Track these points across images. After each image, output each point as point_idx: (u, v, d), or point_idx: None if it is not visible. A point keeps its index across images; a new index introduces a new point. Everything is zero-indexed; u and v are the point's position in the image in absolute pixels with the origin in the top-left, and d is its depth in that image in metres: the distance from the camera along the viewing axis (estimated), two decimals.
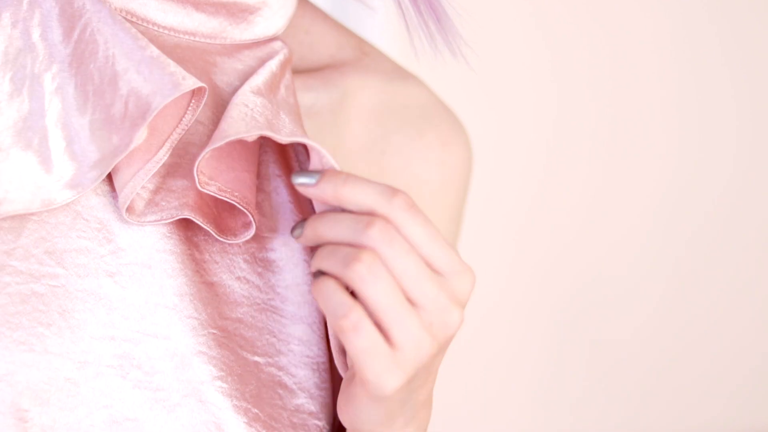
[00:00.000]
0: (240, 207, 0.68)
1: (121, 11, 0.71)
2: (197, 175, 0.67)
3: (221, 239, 0.69)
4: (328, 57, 0.79)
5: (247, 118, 0.67)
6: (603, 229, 1.78)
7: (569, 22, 1.71)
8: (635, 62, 1.73)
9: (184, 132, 0.68)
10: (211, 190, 0.67)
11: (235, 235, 0.69)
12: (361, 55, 0.80)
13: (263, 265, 0.71)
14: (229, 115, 0.67)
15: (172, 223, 0.69)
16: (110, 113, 0.67)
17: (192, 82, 0.66)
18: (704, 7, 1.72)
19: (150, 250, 0.69)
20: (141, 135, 0.67)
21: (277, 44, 0.74)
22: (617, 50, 1.72)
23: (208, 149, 0.66)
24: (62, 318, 0.68)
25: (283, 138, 0.66)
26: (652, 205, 1.78)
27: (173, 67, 0.67)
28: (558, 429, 1.83)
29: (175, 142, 0.68)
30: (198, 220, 0.68)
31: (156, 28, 0.72)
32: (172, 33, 0.72)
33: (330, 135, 0.76)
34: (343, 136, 0.77)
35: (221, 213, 0.70)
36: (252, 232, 0.69)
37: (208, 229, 0.68)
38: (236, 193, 0.68)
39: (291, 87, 0.73)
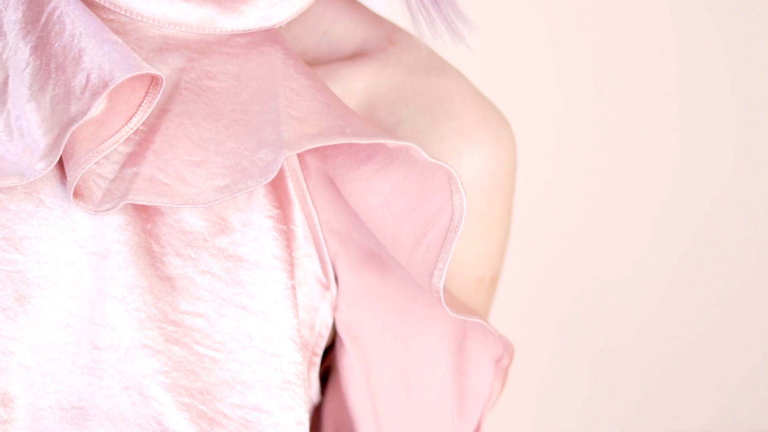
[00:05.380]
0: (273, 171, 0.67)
1: (106, 0, 0.72)
2: (299, 154, 0.68)
3: (182, 207, 0.68)
4: (349, 54, 0.77)
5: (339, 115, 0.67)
6: (605, 232, 1.78)
7: (574, 21, 1.71)
8: (639, 65, 1.73)
9: (139, 124, 0.68)
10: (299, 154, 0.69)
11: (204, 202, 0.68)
12: (387, 46, 0.77)
13: (233, 259, 0.71)
14: (325, 101, 0.67)
15: (129, 214, 0.69)
16: (71, 86, 0.67)
17: (153, 69, 0.67)
18: (707, 7, 1.72)
19: (107, 240, 0.69)
20: (99, 105, 0.67)
21: (276, 33, 0.73)
22: (621, 53, 1.72)
23: (337, 139, 0.65)
24: (18, 303, 0.69)
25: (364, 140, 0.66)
26: (653, 209, 1.78)
27: (135, 55, 0.68)
28: (558, 429, 1.84)
29: (129, 133, 0.68)
30: (139, 201, 0.67)
31: (139, 18, 0.72)
32: (156, 23, 0.72)
33: None
34: None
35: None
36: (225, 195, 0.67)
37: (156, 204, 0.68)
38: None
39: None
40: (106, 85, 0.66)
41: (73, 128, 0.66)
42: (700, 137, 1.76)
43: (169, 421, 0.69)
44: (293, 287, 0.71)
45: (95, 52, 0.67)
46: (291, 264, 0.71)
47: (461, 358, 0.76)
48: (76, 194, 0.69)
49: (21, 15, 0.71)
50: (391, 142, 0.66)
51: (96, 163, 0.69)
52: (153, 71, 0.67)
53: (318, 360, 0.77)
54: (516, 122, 1.70)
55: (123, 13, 0.72)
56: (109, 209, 0.68)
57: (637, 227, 1.78)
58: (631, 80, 1.73)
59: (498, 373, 0.77)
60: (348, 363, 0.77)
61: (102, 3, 0.72)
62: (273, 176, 0.66)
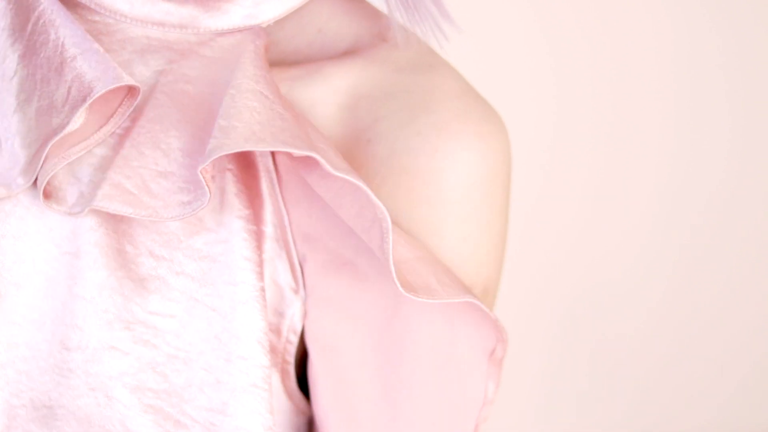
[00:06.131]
0: (208, 192, 0.67)
1: (90, 1, 0.72)
2: (219, 159, 0.67)
3: (147, 219, 0.69)
4: (341, 52, 0.75)
5: (271, 123, 0.66)
6: (603, 231, 1.78)
7: (569, 19, 1.71)
8: (637, 64, 1.73)
9: (109, 133, 0.68)
10: (206, 177, 0.67)
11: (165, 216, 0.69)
12: (378, 43, 0.75)
13: (206, 260, 0.71)
14: (250, 107, 0.67)
15: (101, 215, 0.70)
16: (53, 98, 0.68)
17: (131, 80, 0.67)
18: (701, 5, 1.72)
19: (80, 241, 0.70)
20: (78, 119, 0.67)
21: (258, 31, 0.73)
22: (618, 52, 1.72)
23: (235, 147, 0.65)
24: None
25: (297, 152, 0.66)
26: (652, 208, 1.78)
27: (115, 64, 0.68)
28: (558, 429, 1.83)
29: (99, 141, 0.68)
30: (105, 209, 0.68)
31: (123, 19, 0.72)
32: (139, 24, 0.72)
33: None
34: (325, 125, 0.74)
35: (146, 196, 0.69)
36: (188, 211, 0.68)
37: (121, 213, 0.68)
38: (214, 179, 0.69)
39: (269, 75, 0.72)
40: (84, 99, 0.67)
41: (52, 143, 0.67)
42: (696, 135, 1.76)
43: (133, 423, 0.69)
44: (262, 289, 0.70)
45: (77, 63, 0.68)
46: (261, 266, 0.70)
47: (451, 364, 0.73)
48: (51, 195, 0.69)
49: (8, 21, 0.72)
50: (295, 152, 0.65)
51: (72, 165, 0.70)
52: (132, 82, 0.67)
53: (291, 368, 0.76)
54: (513, 121, 1.70)
55: (107, 14, 0.72)
56: (78, 212, 0.69)
57: (635, 226, 1.78)
58: (628, 79, 1.73)
59: (492, 369, 0.74)
60: (314, 376, 0.75)
61: (87, 4, 0.72)
62: (207, 192, 0.66)
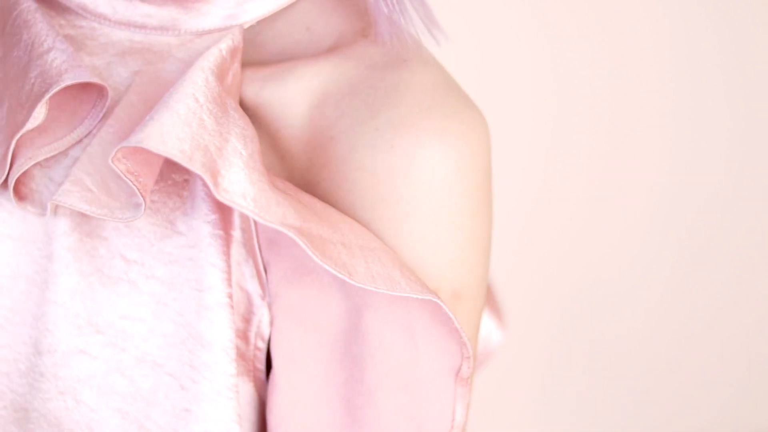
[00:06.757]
0: (138, 193, 0.66)
1: (77, 7, 0.72)
2: (116, 152, 0.65)
3: (103, 218, 0.68)
4: (325, 50, 0.73)
5: (194, 132, 0.65)
6: (602, 231, 1.77)
7: (567, 20, 1.70)
8: (636, 64, 1.73)
9: (80, 136, 0.68)
10: (121, 168, 0.65)
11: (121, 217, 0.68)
12: (358, 39, 0.73)
13: (176, 264, 0.69)
14: (174, 108, 0.65)
15: (74, 219, 0.69)
16: (20, 96, 0.68)
17: (95, 78, 0.67)
18: (700, 6, 1.72)
19: (54, 245, 0.70)
20: (39, 113, 0.67)
21: (234, 31, 0.71)
22: (616, 52, 1.72)
23: (135, 141, 0.64)
24: None
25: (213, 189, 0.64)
26: (650, 207, 1.78)
27: (82, 63, 0.68)
28: (558, 429, 1.83)
29: (70, 143, 0.68)
30: (62, 203, 0.67)
31: (107, 22, 0.72)
32: (122, 27, 0.72)
33: (276, 125, 0.72)
34: (296, 125, 0.71)
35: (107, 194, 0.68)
36: (139, 214, 0.66)
37: (79, 209, 0.67)
38: (141, 179, 0.66)
39: (238, 76, 0.71)
40: (43, 95, 0.66)
41: (15, 139, 0.67)
42: (695, 135, 1.75)
43: (99, 426, 0.69)
44: (229, 296, 0.68)
45: (43, 61, 0.68)
46: (227, 272, 0.68)
47: (414, 384, 0.70)
48: (27, 197, 0.70)
49: None
50: (186, 165, 0.63)
51: (49, 168, 0.70)
52: (95, 80, 0.67)
53: (263, 375, 0.74)
54: (513, 121, 1.71)
55: (93, 18, 0.72)
56: (44, 212, 0.69)
57: (634, 226, 1.77)
58: (627, 79, 1.72)
59: (461, 391, 0.70)
60: (272, 387, 0.73)
61: (73, 8, 0.72)
62: (143, 204, 0.66)
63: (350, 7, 0.74)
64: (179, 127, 0.64)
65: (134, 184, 0.65)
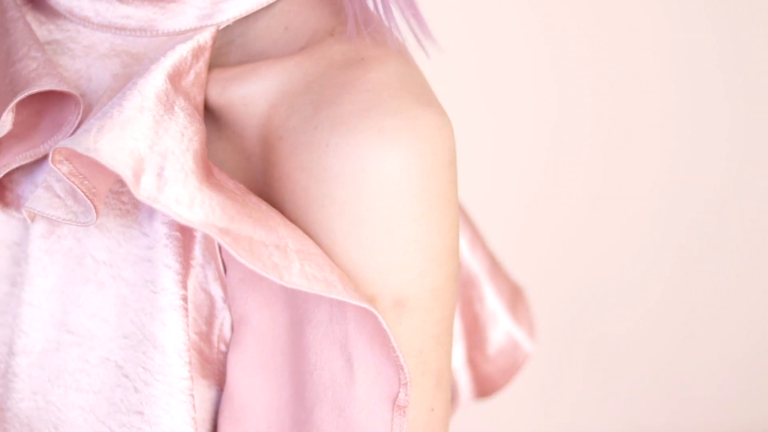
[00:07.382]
0: (83, 196, 0.65)
1: (65, 11, 0.73)
2: (52, 154, 0.64)
3: (74, 224, 0.67)
4: (297, 50, 0.71)
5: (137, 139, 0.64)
6: (602, 231, 1.77)
7: (568, 20, 1.70)
8: (635, 64, 1.73)
9: (57, 143, 0.67)
10: (63, 170, 0.65)
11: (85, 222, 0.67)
12: (326, 38, 0.71)
13: (140, 265, 0.69)
14: (121, 106, 0.65)
15: (51, 222, 0.70)
16: None
17: (65, 86, 0.67)
18: (702, 7, 1.72)
19: (31, 247, 0.70)
20: (5, 122, 0.67)
21: (205, 32, 0.71)
22: (617, 52, 1.72)
23: (62, 143, 0.64)
24: None
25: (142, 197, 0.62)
26: (650, 207, 1.78)
27: (55, 71, 0.68)
28: (558, 429, 1.83)
29: (47, 150, 0.69)
30: (33, 210, 0.67)
31: (90, 25, 0.73)
32: (104, 30, 0.72)
33: (240, 124, 0.71)
34: (255, 125, 0.70)
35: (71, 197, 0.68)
36: (91, 219, 0.66)
37: (47, 216, 0.67)
38: (86, 181, 0.66)
39: (201, 75, 0.70)
40: (12, 99, 0.67)
41: None
42: (695, 135, 1.76)
43: (65, 427, 0.69)
44: (184, 297, 0.67)
45: (17, 67, 0.69)
46: (183, 274, 0.68)
47: (351, 409, 0.68)
48: (12, 203, 0.71)
49: None
50: (98, 159, 0.63)
51: (33, 174, 0.71)
52: (63, 88, 0.67)
53: None
54: (512, 121, 1.71)
55: (78, 21, 0.72)
56: (21, 216, 0.70)
57: (634, 225, 1.78)
58: (627, 79, 1.72)
59: (398, 420, 0.67)
60: (225, 394, 0.73)
61: (62, 12, 0.73)
62: (93, 207, 0.65)
63: (328, 6, 0.73)
64: (115, 131, 0.63)
65: (78, 187, 0.64)
